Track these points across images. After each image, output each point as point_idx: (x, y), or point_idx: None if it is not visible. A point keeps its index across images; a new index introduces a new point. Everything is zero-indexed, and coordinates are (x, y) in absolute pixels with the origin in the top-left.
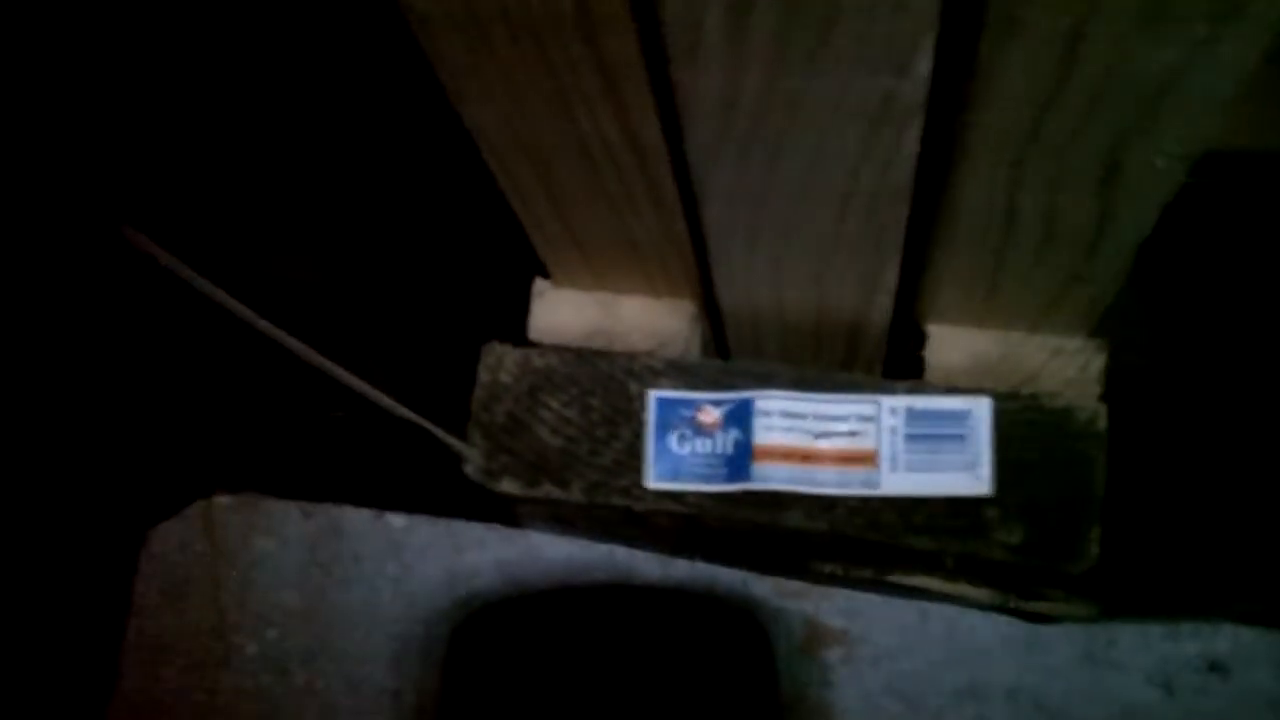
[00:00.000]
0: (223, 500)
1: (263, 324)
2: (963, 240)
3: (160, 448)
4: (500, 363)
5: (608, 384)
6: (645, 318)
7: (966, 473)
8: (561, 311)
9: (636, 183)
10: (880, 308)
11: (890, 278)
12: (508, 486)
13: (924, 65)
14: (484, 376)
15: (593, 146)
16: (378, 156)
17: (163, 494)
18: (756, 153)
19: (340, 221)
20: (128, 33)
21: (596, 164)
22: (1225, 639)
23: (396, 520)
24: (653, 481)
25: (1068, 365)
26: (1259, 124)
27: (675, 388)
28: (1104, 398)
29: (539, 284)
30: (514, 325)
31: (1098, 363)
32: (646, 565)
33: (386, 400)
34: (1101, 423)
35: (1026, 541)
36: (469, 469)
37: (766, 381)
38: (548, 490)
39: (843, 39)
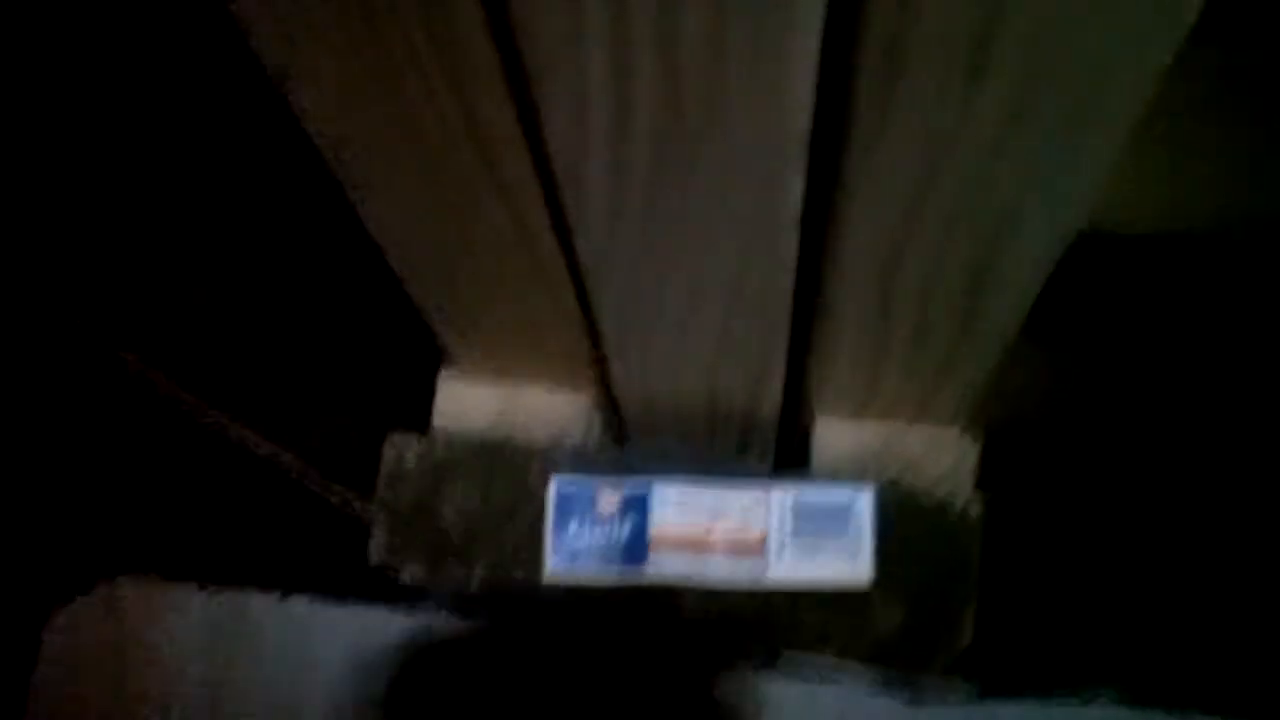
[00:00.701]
0: (126, 582)
1: (185, 396)
2: (843, 340)
3: (65, 528)
4: (404, 451)
5: (508, 471)
6: (546, 406)
7: (849, 560)
8: (465, 400)
9: (536, 283)
10: (769, 400)
11: (777, 372)
12: (410, 571)
13: (796, 187)
14: (388, 464)
15: (494, 250)
16: (302, 250)
17: (67, 575)
18: (644, 260)
19: (264, 310)
20: None
21: (498, 266)
22: (1097, 717)
23: (299, 603)
24: (551, 567)
25: (944, 456)
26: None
27: (574, 475)
28: (979, 486)
29: (444, 373)
30: (421, 413)
31: (973, 453)
32: (543, 645)
33: (304, 468)
34: (976, 512)
35: (906, 624)
36: (372, 553)
37: (663, 470)
38: (449, 575)
39: (716, 166)
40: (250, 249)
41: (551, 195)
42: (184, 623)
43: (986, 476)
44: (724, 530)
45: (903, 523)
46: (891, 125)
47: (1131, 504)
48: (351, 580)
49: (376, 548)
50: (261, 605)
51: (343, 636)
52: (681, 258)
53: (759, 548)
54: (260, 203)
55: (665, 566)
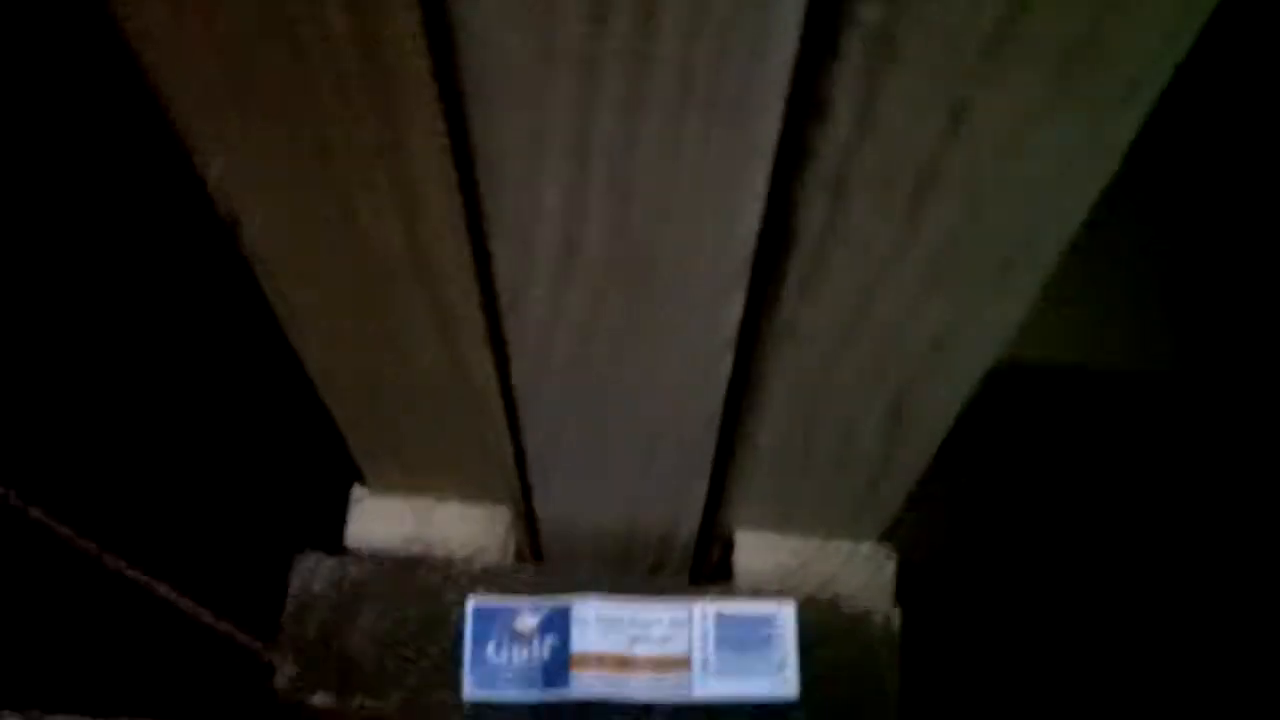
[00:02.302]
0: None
1: (63, 530)
2: (765, 463)
3: None
4: (314, 572)
5: (423, 592)
6: (462, 524)
7: (774, 676)
8: (378, 519)
9: (466, 413)
10: (689, 519)
11: (698, 497)
12: (320, 700)
13: (734, 313)
14: (296, 587)
15: (428, 380)
16: (199, 363)
17: None
18: (579, 388)
19: (155, 422)
20: None
21: (430, 396)
22: None
23: None
24: (469, 692)
25: (861, 570)
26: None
27: (491, 595)
28: (896, 599)
29: (357, 491)
30: (332, 533)
31: (889, 568)
32: None
33: (190, 605)
34: (895, 625)
35: None
36: (279, 683)
37: (583, 588)
38: (361, 703)
39: (660, 291)
40: (140, 371)
41: (494, 329)
42: None
43: (902, 595)
44: (647, 648)
45: (824, 638)
46: (831, 258)
47: (1044, 619)
48: (254, 713)
49: (283, 675)
50: None
51: None
52: (616, 384)
53: (684, 664)
54: (152, 319)
55: (587, 686)
